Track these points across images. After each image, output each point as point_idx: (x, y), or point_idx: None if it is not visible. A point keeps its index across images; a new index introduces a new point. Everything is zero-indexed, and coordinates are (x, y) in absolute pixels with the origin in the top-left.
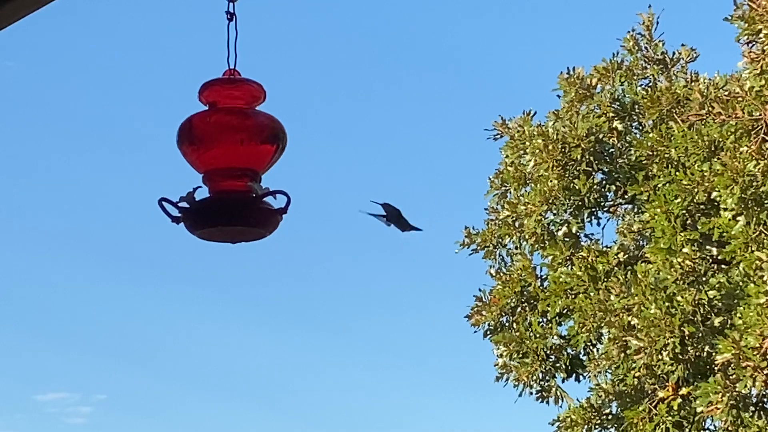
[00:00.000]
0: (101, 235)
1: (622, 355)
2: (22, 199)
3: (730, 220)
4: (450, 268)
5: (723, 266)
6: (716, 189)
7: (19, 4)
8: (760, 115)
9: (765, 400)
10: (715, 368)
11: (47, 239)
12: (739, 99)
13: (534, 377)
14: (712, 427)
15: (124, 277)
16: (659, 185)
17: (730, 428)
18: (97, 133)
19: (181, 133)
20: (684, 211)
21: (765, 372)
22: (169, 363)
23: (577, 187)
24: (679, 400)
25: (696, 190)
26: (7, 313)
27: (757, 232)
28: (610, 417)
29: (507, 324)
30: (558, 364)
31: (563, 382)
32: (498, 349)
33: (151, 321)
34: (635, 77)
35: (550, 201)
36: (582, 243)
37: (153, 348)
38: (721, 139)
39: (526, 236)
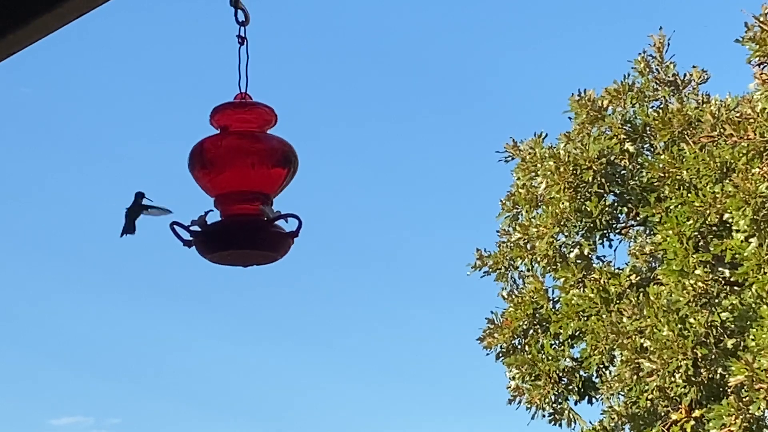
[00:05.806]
0: (115, 260)
1: (635, 377)
2: (36, 222)
3: (742, 241)
4: (462, 291)
5: (735, 288)
6: (728, 210)
7: (32, 28)
8: None
9: None
10: (729, 390)
11: (62, 264)
12: (751, 120)
13: (546, 400)
14: None
15: (138, 301)
16: (671, 207)
17: None
18: (109, 157)
19: (193, 156)
20: (696, 233)
21: None
22: (182, 387)
23: (588, 209)
24: (693, 422)
25: (708, 211)
26: (22, 338)
27: None
28: None
29: (519, 346)
30: (570, 387)
31: (576, 404)
32: (510, 371)
33: (166, 345)
34: (646, 99)
35: (562, 223)
36: (594, 265)
37: (167, 372)
38: (732, 161)
39: (538, 258)
